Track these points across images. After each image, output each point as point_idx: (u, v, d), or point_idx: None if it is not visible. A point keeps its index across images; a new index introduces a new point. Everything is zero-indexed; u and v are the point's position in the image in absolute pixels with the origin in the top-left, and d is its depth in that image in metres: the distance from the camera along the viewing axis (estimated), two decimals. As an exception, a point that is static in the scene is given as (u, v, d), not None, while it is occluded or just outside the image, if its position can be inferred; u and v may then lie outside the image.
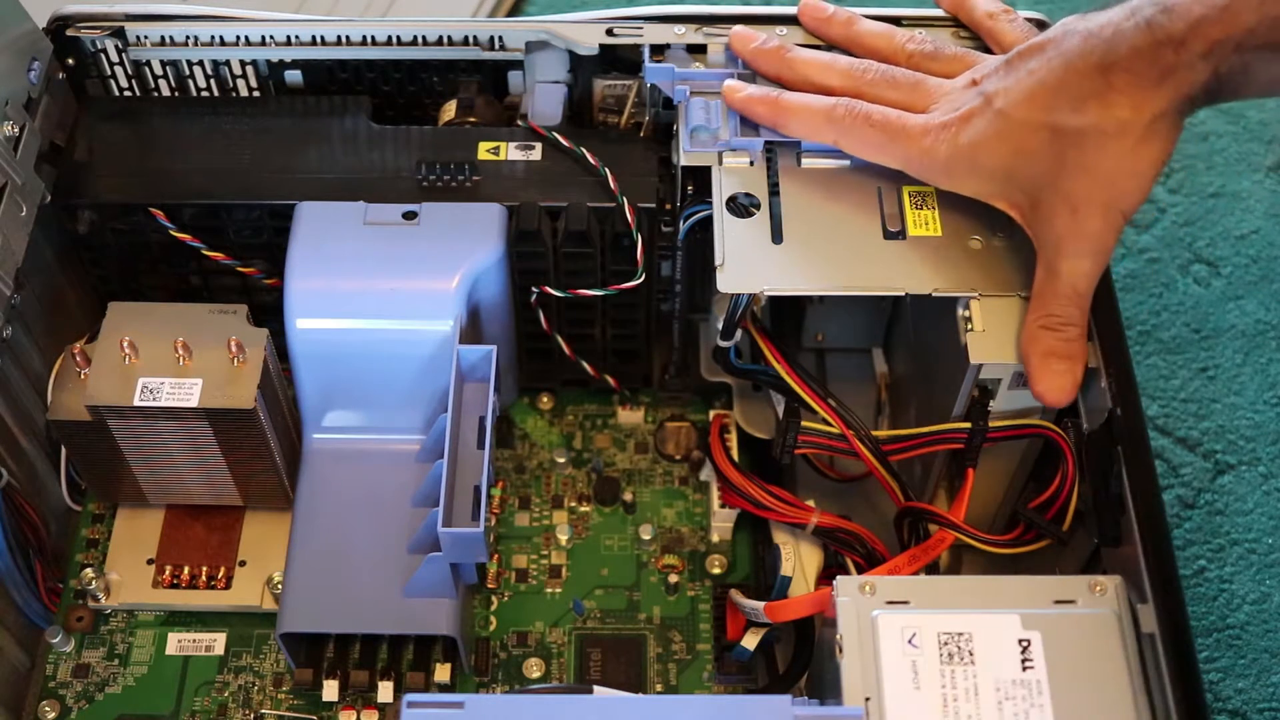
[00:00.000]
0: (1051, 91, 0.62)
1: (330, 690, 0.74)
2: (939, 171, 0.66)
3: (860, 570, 0.71)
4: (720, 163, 0.72)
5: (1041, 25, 0.74)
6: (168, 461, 0.76)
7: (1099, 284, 0.65)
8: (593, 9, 0.79)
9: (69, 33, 0.79)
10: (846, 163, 0.71)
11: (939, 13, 0.77)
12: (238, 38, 0.79)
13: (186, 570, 0.79)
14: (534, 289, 0.78)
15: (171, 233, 0.76)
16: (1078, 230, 0.62)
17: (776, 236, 0.69)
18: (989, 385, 0.67)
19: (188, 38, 0.79)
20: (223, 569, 0.79)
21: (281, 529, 0.77)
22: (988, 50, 0.73)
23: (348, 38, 0.79)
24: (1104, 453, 0.65)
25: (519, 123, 0.80)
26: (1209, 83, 0.59)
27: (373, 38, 0.79)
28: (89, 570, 0.78)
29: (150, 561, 0.79)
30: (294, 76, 0.82)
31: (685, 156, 0.72)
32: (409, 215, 0.74)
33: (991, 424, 0.68)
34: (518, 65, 0.81)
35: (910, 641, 0.59)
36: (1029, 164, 0.63)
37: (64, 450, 0.79)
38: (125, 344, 0.73)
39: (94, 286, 0.82)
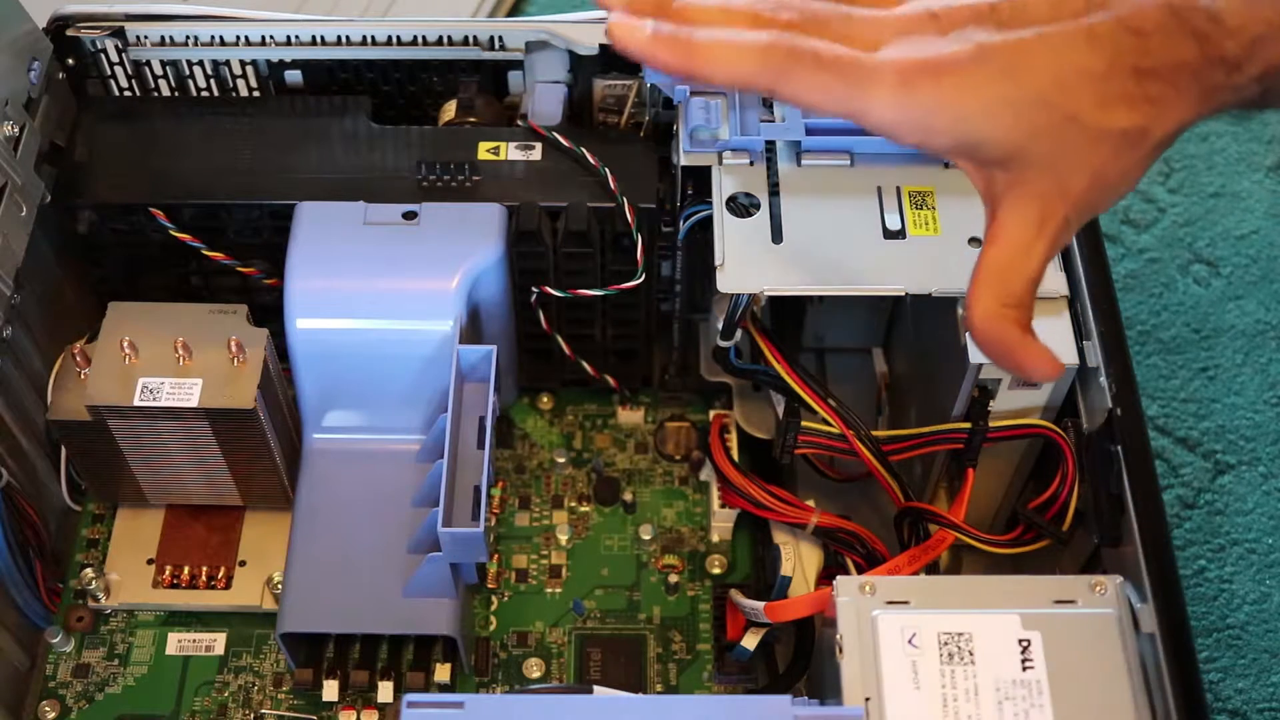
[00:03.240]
0: (1075, 73, 0.52)
1: (330, 690, 0.74)
2: (913, 125, 0.54)
3: (860, 570, 0.71)
4: (720, 163, 0.72)
5: None
6: (168, 461, 0.76)
7: (1099, 281, 0.65)
8: (593, 9, 0.78)
9: (69, 33, 0.78)
10: (847, 162, 0.71)
11: None
12: (238, 38, 0.79)
13: (186, 570, 0.79)
14: (534, 289, 0.78)
15: (171, 233, 0.76)
16: (1053, 217, 0.54)
17: (776, 236, 0.69)
18: (989, 385, 0.67)
19: (188, 38, 0.79)
20: (223, 569, 0.79)
21: (281, 529, 0.77)
22: None
23: (348, 38, 0.79)
24: (1104, 453, 0.64)
25: (519, 123, 0.80)
26: (1254, 99, 0.53)
27: (373, 38, 0.79)
28: (89, 570, 0.78)
29: (150, 561, 0.79)
30: (294, 76, 0.82)
31: (685, 156, 0.72)
32: (409, 215, 0.74)
33: (991, 424, 0.68)
34: (518, 65, 0.81)
35: (910, 641, 0.59)
36: (1032, 141, 0.53)
37: (64, 450, 0.79)
38: (125, 344, 0.73)
39: (94, 286, 0.81)
